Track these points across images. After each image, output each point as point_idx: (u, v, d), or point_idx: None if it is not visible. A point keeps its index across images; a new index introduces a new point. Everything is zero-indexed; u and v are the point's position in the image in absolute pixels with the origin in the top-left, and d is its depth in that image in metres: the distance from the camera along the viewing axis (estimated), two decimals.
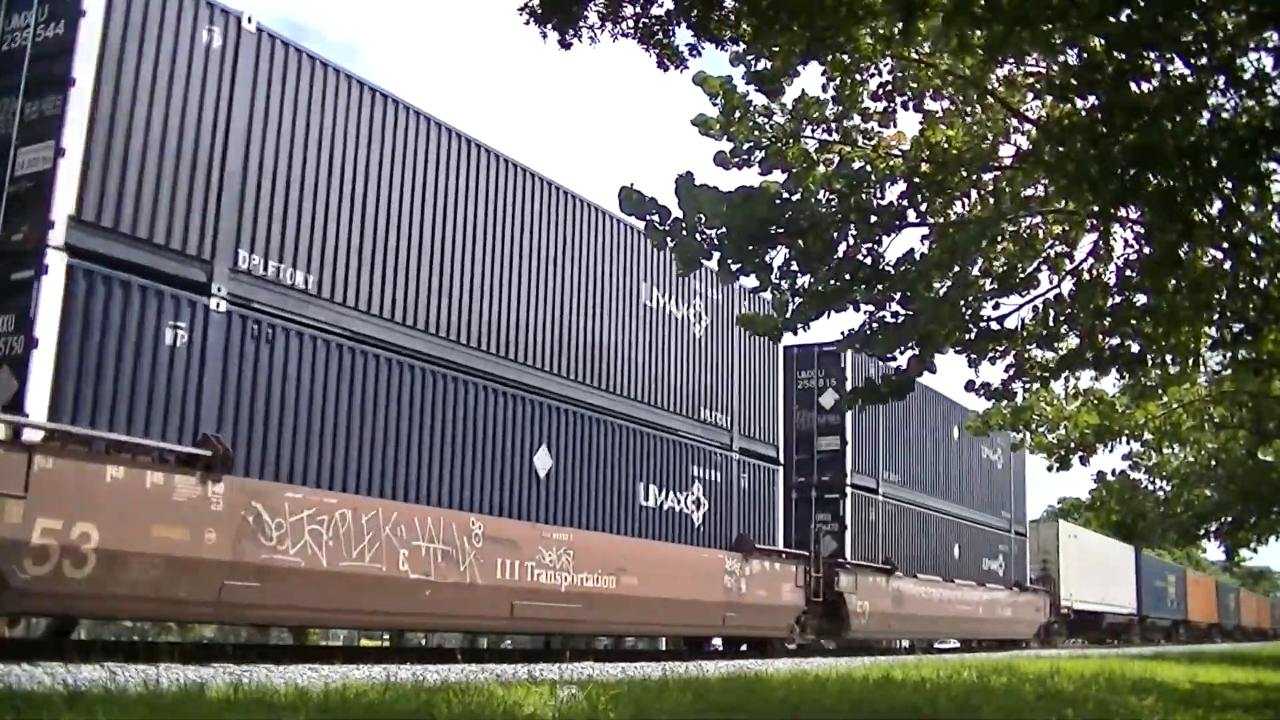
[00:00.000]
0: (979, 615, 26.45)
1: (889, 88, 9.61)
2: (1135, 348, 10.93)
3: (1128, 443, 21.14)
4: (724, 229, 9.08)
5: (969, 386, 11.65)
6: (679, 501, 15.73)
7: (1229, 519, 28.21)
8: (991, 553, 27.86)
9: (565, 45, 6.77)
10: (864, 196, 9.72)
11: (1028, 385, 11.68)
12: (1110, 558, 41.47)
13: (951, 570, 25.05)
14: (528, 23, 6.71)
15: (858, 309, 10.11)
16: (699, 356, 16.66)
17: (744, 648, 18.79)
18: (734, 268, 9.36)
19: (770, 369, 18.65)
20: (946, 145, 9.86)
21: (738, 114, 9.65)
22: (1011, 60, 8.93)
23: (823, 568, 19.08)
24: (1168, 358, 11.49)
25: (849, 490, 20.42)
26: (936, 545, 24.40)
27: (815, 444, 20.43)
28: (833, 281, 9.76)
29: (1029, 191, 10.21)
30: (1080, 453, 19.71)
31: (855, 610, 19.79)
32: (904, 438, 23.46)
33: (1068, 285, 10.70)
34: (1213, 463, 26.31)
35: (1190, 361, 11.85)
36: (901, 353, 10.30)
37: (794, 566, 18.32)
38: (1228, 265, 9.78)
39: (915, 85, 9.66)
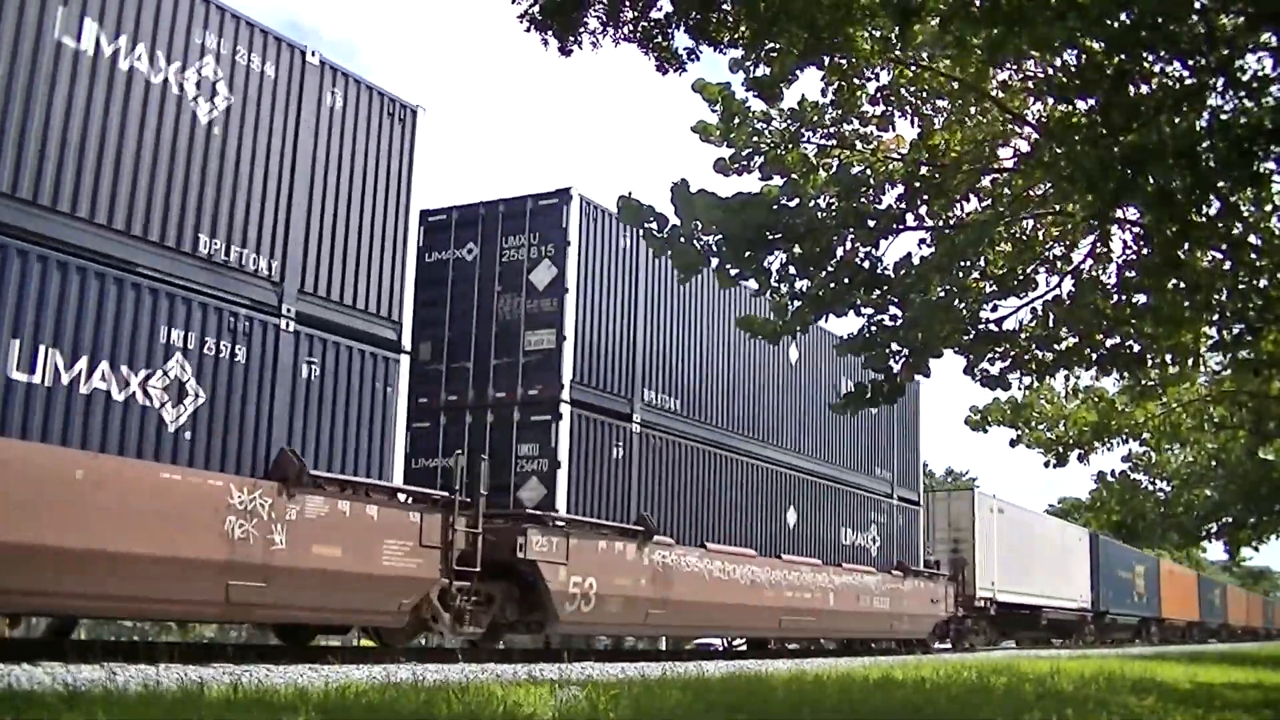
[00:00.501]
0: (827, 606, 18.97)
1: (887, 91, 9.64)
2: (1135, 348, 10.95)
3: (1127, 442, 21.22)
4: (721, 235, 9.09)
5: (967, 371, 11.65)
6: (121, 385, 9.05)
7: (1229, 519, 28.28)
8: (858, 523, 20.71)
9: (565, 51, 6.79)
10: (862, 201, 9.75)
11: (1023, 379, 11.68)
12: (1054, 541, 34.45)
13: (778, 543, 17.86)
14: (528, 29, 6.72)
15: (858, 313, 10.13)
16: (200, 150, 9.83)
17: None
18: (733, 272, 9.37)
19: (397, 206, 11.72)
20: (945, 148, 9.89)
21: (737, 120, 9.68)
22: (1010, 63, 8.95)
23: (482, 521, 12.10)
24: (1168, 358, 11.53)
25: (567, 410, 13.47)
26: (751, 507, 17.27)
27: (522, 341, 13.75)
28: (831, 285, 9.77)
29: (1028, 193, 10.23)
30: (1078, 450, 19.80)
31: (565, 590, 12.99)
32: (690, 346, 16.08)
33: (1067, 286, 10.73)
34: (1213, 463, 26.37)
35: (1190, 361, 11.89)
36: (896, 358, 10.30)
37: (415, 515, 11.28)
38: (1227, 266, 9.80)
39: (913, 89, 9.69)
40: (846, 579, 19.85)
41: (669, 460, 15.48)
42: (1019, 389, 12.97)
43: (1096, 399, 19.39)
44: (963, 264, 10.10)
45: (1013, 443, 20.63)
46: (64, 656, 8.41)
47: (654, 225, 9.16)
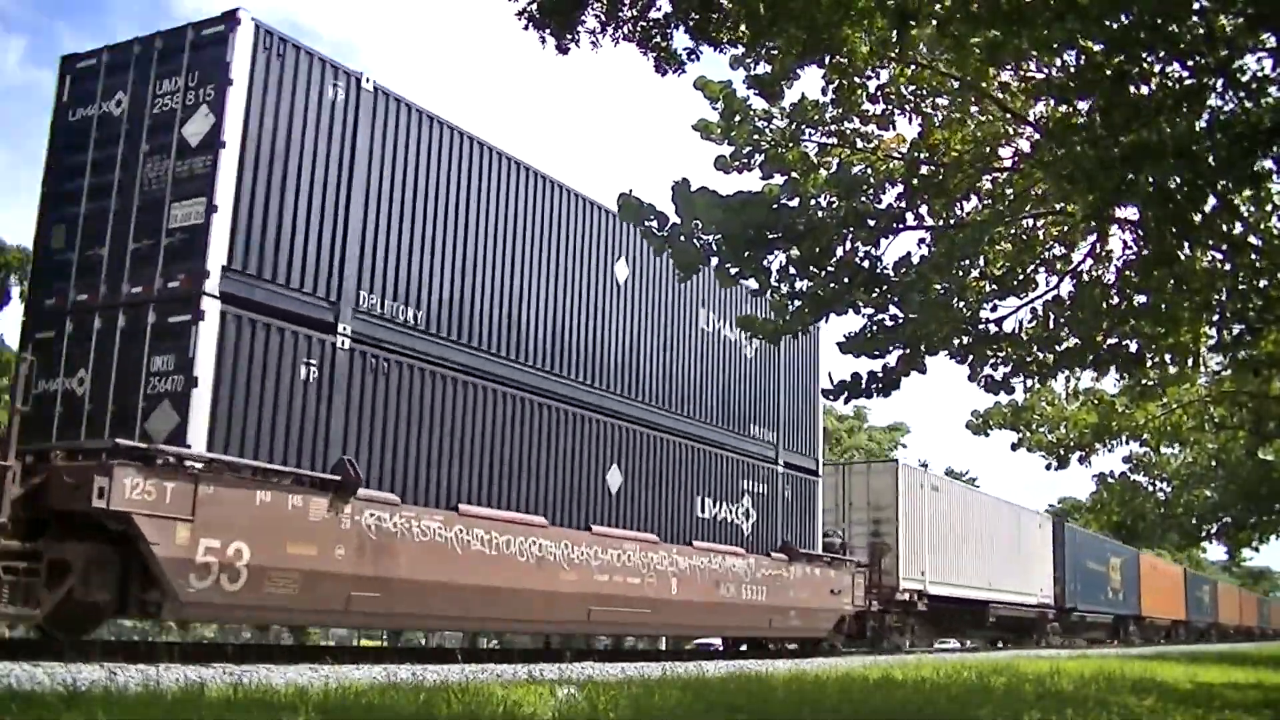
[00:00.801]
0: (667, 594, 14.71)
1: (887, 90, 9.65)
2: (1134, 348, 10.95)
3: (1127, 443, 21.23)
4: (721, 234, 9.10)
5: (971, 378, 11.65)
6: None
7: (1229, 519, 28.29)
8: (723, 493, 16.30)
9: (563, 50, 6.82)
10: (863, 201, 9.75)
11: (1026, 381, 11.67)
12: (1007, 528, 29.89)
13: (592, 511, 13.79)
14: (526, 27, 6.77)
15: (858, 312, 10.12)
16: None
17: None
18: (732, 271, 9.37)
19: None
20: (945, 148, 9.89)
21: (738, 118, 9.68)
22: (1010, 64, 8.95)
23: (14, 449, 8.76)
24: (1168, 358, 11.53)
25: (214, 307, 9.91)
26: (546, 462, 13.21)
27: (166, 216, 10.20)
28: (831, 285, 9.78)
29: (1029, 193, 10.23)
30: (1079, 452, 19.80)
31: (189, 558, 9.35)
32: (448, 241, 12.33)
33: (1066, 287, 10.74)
34: (1213, 463, 26.38)
35: (1190, 362, 11.89)
36: (892, 350, 10.28)
37: None
38: (1227, 266, 9.80)
39: (914, 87, 9.70)
40: (698, 561, 15.32)
41: (401, 390, 11.50)
42: (1022, 390, 12.96)
43: (1096, 400, 19.40)
44: (962, 263, 10.10)
45: (1014, 446, 20.61)
46: (64, 656, 8.42)
47: (654, 224, 9.17)
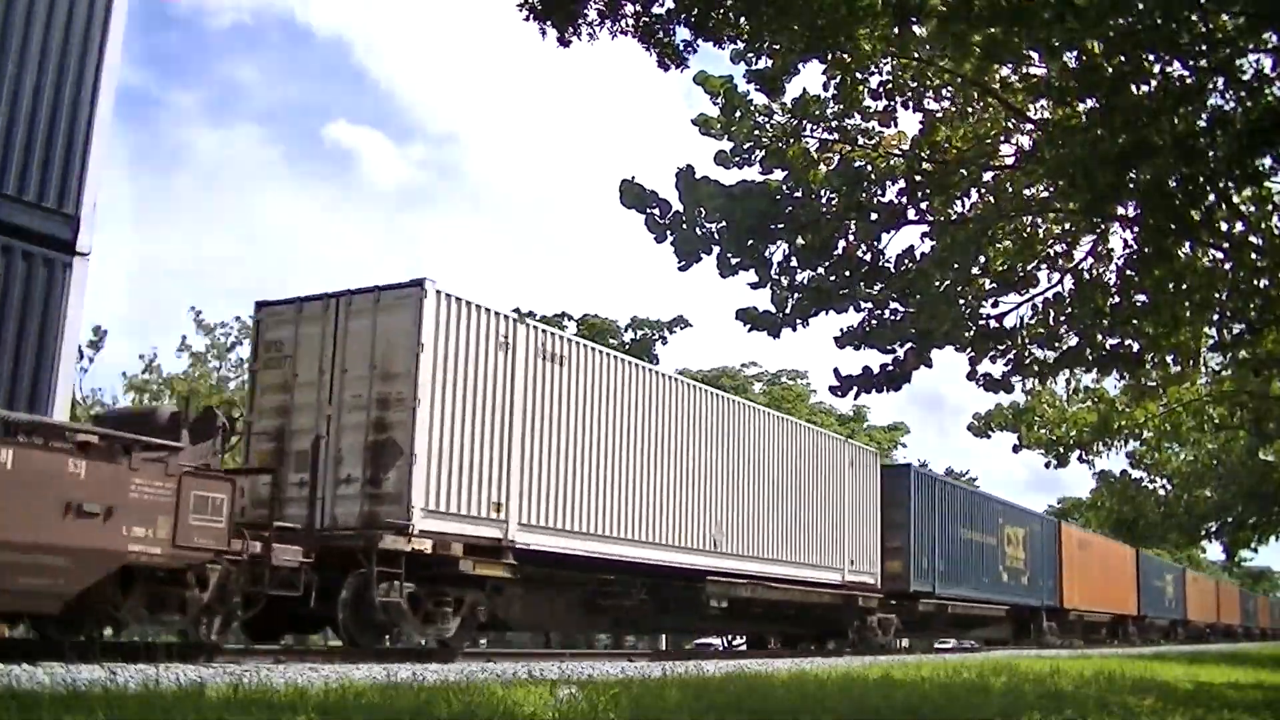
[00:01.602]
0: None
1: (889, 86, 9.65)
2: (1135, 348, 10.95)
3: (1128, 441, 21.29)
4: (724, 223, 9.10)
5: (970, 377, 11.63)
6: None
7: (1229, 519, 28.30)
8: None
9: (564, 43, 6.82)
10: (864, 195, 9.75)
11: (1025, 381, 11.66)
12: (770, 456, 18.33)
13: None
14: (527, 19, 6.78)
15: (858, 308, 10.11)
16: None
17: None
18: (733, 262, 9.37)
19: None
20: (948, 144, 9.89)
21: (738, 113, 9.68)
22: (1011, 63, 8.96)
23: None
24: (1168, 358, 11.53)
25: None
26: None
27: None
28: (832, 278, 9.77)
29: (1029, 191, 10.23)
30: (1079, 450, 19.87)
31: None
32: None
33: (1067, 284, 10.73)
34: (1213, 463, 26.41)
35: (1190, 361, 11.90)
36: (900, 345, 10.26)
37: None
38: (1228, 266, 9.81)
39: (916, 84, 9.70)
40: None
41: None
42: (1021, 391, 12.98)
43: (1097, 399, 19.45)
44: (964, 259, 10.11)
45: (1016, 449, 20.64)
46: (64, 656, 8.41)
47: (656, 211, 9.18)
